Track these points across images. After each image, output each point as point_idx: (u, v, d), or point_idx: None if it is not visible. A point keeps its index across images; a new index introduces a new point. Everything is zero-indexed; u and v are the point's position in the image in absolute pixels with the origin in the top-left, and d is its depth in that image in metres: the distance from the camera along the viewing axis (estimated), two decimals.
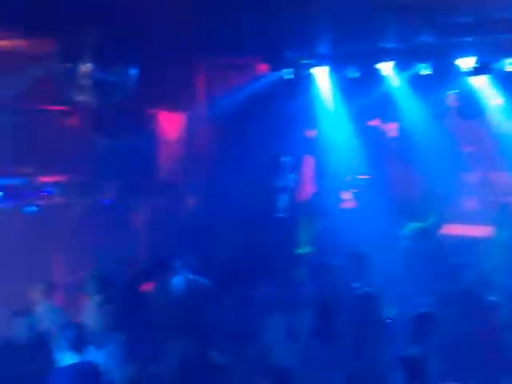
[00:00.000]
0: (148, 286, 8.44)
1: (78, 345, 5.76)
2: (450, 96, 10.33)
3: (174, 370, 6.01)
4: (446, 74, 9.77)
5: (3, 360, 6.01)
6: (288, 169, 11.24)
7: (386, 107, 10.69)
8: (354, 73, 10.24)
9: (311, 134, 11.73)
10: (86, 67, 7.00)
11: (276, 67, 9.25)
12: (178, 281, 8.37)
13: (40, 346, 6.15)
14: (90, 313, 6.97)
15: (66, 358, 5.68)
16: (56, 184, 9.40)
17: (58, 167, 9.15)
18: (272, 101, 10.61)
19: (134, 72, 7.30)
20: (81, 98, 7.44)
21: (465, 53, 9.47)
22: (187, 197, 10.84)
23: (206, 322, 7.15)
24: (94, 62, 7.01)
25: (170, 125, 10.39)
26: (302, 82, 10.56)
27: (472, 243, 9.33)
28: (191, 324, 7.05)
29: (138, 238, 10.44)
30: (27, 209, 9.09)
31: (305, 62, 10.28)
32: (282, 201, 11.20)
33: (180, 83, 9.71)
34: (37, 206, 9.17)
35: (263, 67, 10.32)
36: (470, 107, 10.09)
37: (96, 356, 5.95)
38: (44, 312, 7.07)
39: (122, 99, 7.56)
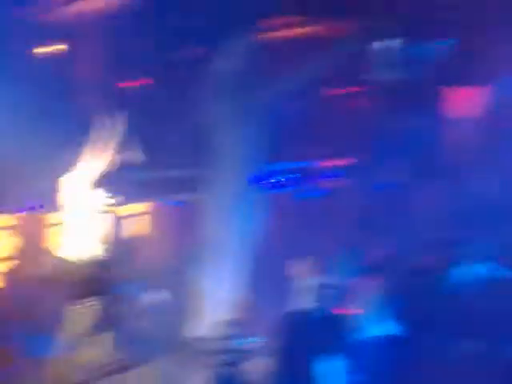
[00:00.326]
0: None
1: None
2: None
3: None
4: None
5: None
6: None
7: None
8: None
9: None
10: (394, 43, 6.82)
11: None
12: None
13: None
14: None
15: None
16: (343, 167, 9.41)
17: (347, 150, 9.13)
18: None
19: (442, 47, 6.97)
20: (385, 76, 7.30)
21: None
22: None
23: None
24: (404, 37, 6.81)
25: (466, 102, 9.84)
26: None
27: None
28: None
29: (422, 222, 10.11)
30: (314, 193, 9.24)
31: None
32: None
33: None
34: (324, 190, 9.28)
35: None
36: None
37: None
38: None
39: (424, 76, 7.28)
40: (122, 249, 6.14)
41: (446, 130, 9.77)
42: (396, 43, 6.81)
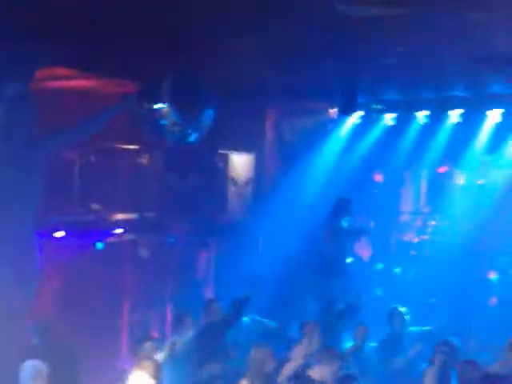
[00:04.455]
0: None
1: None
2: None
3: None
4: None
5: None
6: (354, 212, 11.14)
7: (455, 154, 10.60)
8: (423, 119, 10.23)
9: (378, 177, 11.66)
10: (164, 108, 7.14)
11: (346, 112, 9.28)
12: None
13: None
14: None
15: None
16: (125, 222, 9.48)
17: (128, 205, 9.25)
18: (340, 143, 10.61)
19: (209, 114, 7.41)
20: (157, 138, 7.57)
21: None
22: (255, 237, 10.85)
23: None
24: (172, 103, 7.14)
25: (240, 165, 10.46)
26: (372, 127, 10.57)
27: None
28: None
29: (206, 277, 10.46)
30: (95, 246, 9.20)
31: (375, 107, 10.28)
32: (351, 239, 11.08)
33: (252, 125, 9.80)
34: (105, 243, 9.27)
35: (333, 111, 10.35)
36: None
37: None
38: None
39: (196, 140, 7.67)
40: None
41: (224, 190, 10.27)
42: (168, 108, 7.18)
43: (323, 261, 10.46)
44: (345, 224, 10.61)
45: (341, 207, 10.60)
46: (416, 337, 8.20)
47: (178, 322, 7.84)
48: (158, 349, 6.93)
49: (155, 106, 7.11)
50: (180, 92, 7.10)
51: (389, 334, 8.34)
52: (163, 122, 7.36)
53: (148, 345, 6.87)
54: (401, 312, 8.55)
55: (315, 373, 6.57)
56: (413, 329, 8.55)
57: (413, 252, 11.44)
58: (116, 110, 7.58)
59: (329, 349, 6.93)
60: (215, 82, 7.33)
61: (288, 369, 6.45)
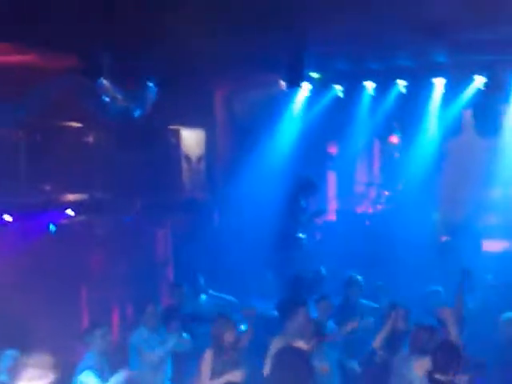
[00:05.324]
0: None
1: None
2: (467, 112, 10.25)
3: None
4: (460, 90, 9.72)
5: None
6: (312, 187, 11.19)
7: (404, 123, 10.68)
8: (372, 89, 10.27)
9: (333, 149, 11.71)
10: (105, 83, 7.02)
11: (293, 83, 9.27)
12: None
13: None
14: None
15: None
16: (76, 202, 9.36)
17: (78, 185, 9.12)
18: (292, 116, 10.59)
19: (153, 88, 7.31)
20: (101, 114, 7.45)
21: (480, 70, 9.57)
22: (208, 213, 10.81)
23: None
24: (112, 78, 7.02)
25: (192, 141, 10.39)
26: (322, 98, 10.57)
27: None
28: None
29: (162, 256, 10.43)
30: (48, 228, 9.06)
31: (323, 78, 10.31)
32: (306, 220, 11.14)
33: (202, 101, 9.72)
34: (58, 225, 9.14)
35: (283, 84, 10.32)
36: (487, 124, 9.99)
37: None
38: None
39: (142, 115, 7.58)
40: None
41: (176, 166, 10.20)
42: (109, 83, 7.07)
43: (281, 237, 10.53)
44: (304, 203, 10.72)
45: (302, 186, 10.72)
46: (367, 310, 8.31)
47: (141, 310, 7.81)
48: (106, 336, 6.90)
49: (96, 82, 7.01)
50: (120, 67, 7.00)
51: (344, 301, 8.44)
52: (105, 97, 7.28)
53: (96, 332, 6.84)
54: (357, 280, 8.65)
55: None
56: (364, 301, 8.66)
57: (367, 223, 11.56)
58: (57, 85, 7.44)
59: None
60: (157, 56, 7.25)
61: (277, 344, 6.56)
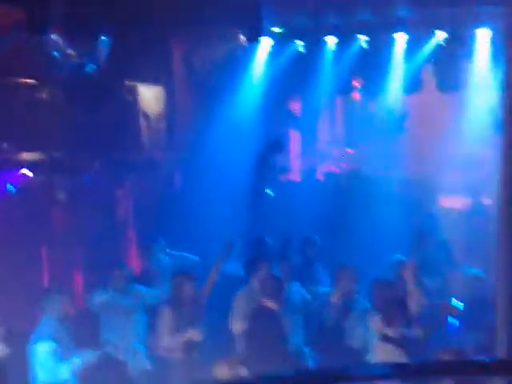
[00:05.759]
0: None
1: None
2: (428, 68, 10.14)
3: None
4: (422, 45, 9.61)
5: None
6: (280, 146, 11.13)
7: (366, 79, 10.56)
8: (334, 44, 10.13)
9: (295, 107, 11.59)
10: (54, 38, 6.76)
11: (252, 37, 9.08)
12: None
13: None
14: None
15: None
16: (33, 162, 9.13)
17: (34, 144, 8.89)
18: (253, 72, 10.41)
19: (107, 42, 7.06)
20: (53, 70, 7.20)
21: (442, 25, 9.42)
22: (170, 173, 10.66)
23: None
24: (62, 32, 6.76)
25: (151, 98, 10.15)
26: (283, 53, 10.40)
27: None
28: None
29: (122, 216, 10.29)
30: (5, 189, 8.86)
31: (285, 33, 10.13)
32: (272, 179, 11.08)
33: (159, 56, 9.48)
34: (13, 185, 8.93)
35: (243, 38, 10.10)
36: (449, 80, 9.92)
37: None
38: None
39: (97, 71, 7.34)
40: None
41: (135, 124, 9.99)
42: (58, 38, 6.84)
43: (246, 195, 10.45)
44: (272, 161, 10.68)
45: (271, 145, 10.62)
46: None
47: (103, 271, 7.69)
48: (64, 299, 6.70)
49: (45, 37, 6.74)
50: (70, 20, 6.73)
51: (301, 263, 8.42)
52: (56, 53, 7.01)
53: (54, 296, 6.66)
54: (314, 240, 8.63)
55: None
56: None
57: (331, 181, 11.51)
58: (4, 43, 7.15)
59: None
60: (111, 8, 6.98)
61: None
